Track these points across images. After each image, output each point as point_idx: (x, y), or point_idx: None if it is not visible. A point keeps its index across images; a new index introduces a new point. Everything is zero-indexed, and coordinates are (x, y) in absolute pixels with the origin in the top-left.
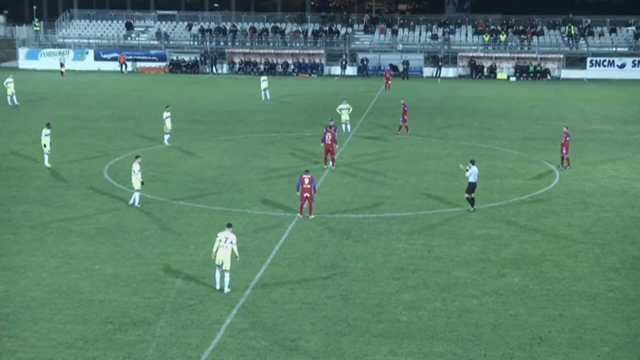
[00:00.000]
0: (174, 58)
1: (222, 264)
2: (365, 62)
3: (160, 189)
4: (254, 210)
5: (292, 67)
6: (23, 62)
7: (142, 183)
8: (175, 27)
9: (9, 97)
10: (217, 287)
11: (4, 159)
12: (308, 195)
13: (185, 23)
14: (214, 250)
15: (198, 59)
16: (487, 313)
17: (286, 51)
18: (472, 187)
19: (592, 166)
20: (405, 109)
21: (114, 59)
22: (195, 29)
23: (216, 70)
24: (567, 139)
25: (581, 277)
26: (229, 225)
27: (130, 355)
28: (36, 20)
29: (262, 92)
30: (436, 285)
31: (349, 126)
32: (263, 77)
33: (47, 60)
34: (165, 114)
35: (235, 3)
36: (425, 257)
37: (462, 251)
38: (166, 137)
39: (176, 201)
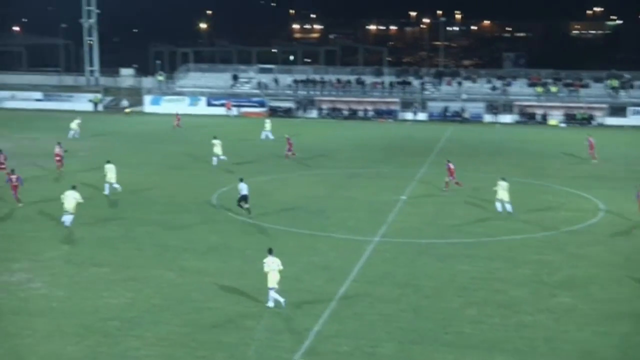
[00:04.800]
0: (272, 104)
1: (272, 284)
2: (446, 109)
3: (259, 215)
4: (338, 234)
5: (371, 112)
6: (148, 107)
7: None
8: (273, 78)
9: (72, 132)
10: (272, 304)
11: (130, 188)
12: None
13: (282, 75)
14: (266, 271)
15: (292, 105)
16: (541, 328)
17: (366, 99)
18: (242, 198)
19: (633, 202)
20: (290, 142)
21: (222, 105)
22: (289, 79)
23: (307, 115)
24: (452, 168)
25: (625, 299)
26: (271, 251)
27: (233, 355)
28: (161, 72)
29: (264, 133)
30: (496, 302)
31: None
32: (267, 120)
33: (168, 106)
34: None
35: (324, 58)
36: (485, 278)
37: (518, 274)
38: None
39: (273, 225)
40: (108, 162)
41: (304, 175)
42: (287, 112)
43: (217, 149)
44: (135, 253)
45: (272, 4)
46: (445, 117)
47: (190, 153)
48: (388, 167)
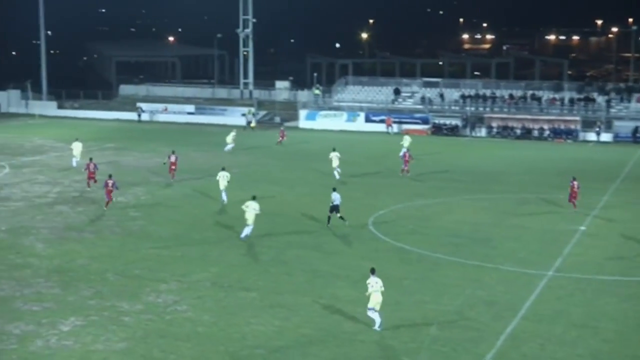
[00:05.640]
0: (436, 121)
1: (375, 306)
2: (636, 129)
3: (419, 242)
4: (507, 267)
5: (548, 132)
6: (303, 123)
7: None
8: (438, 93)
9: (229, 145)
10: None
11: (282, 207)
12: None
13: (448, 89)
14: (367, 294)
15: (458, 122)
16: None
17: (542, 117)
18: (333, 208)
19: None
20: (407, 158)
21: (381, 121)
22: (456, 94)
23: (475, 133)
24: (576, 189)
25: None
26: (374, 271)
27: None
28: (317, 85)
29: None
30: None
31: None
32: (406, 136)
33: (323, 121)
34: None
35: (496, 71)
36: None
37: None
38: None
39: (433, 253)
40: (223, 169)
41: (469, 199)
42: (452, 130)
43: (335, 162)
44: (285, 278)
45: (440, 12)
46: (635, 138)
47: (345, 172)
48: (565, 194)
